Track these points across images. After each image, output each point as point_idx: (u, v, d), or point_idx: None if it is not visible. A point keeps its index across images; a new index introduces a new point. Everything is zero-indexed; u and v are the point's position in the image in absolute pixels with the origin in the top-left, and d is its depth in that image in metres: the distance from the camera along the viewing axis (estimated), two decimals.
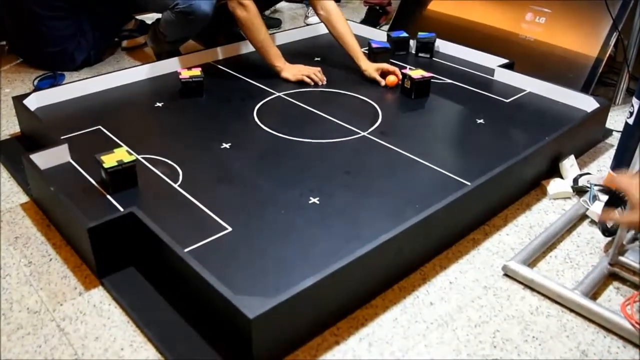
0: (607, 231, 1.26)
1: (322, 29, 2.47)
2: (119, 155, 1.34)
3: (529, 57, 2.14)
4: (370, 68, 1.98)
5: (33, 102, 1.71)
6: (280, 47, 2.02)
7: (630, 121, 1.39)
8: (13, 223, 1.33)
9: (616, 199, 1.17)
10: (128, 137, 1.58)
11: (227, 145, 1.56)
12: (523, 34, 2.18)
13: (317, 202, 1.32)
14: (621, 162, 1.43)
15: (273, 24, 2.82)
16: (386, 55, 2.09)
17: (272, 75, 1.99)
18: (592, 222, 1.36)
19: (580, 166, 1.58)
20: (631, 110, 1.39)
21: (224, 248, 1.18)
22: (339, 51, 2.27)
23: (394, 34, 2.26)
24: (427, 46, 2.20)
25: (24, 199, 1.43)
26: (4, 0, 2.16)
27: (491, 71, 2.01)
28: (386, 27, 2.69)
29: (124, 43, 2.47)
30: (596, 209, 1.34)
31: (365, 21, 2.83)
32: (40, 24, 2.13)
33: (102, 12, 2.26)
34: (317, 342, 1.03)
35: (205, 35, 2.41)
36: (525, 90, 1.90)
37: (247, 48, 2.21)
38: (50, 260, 1.22)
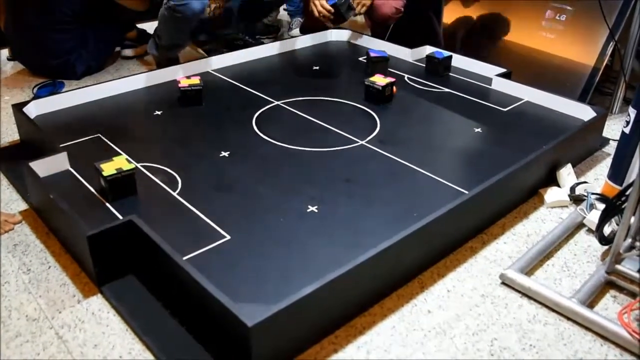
0: (604, 239, 1.26)
1: (321, 38, 2.49)
2: (118, 163, 1.34)
3: (526, 66, 2.15)
4: None
5: (32, 110, 1.71)
6: (278, 55, 2.03)
7: (627, 130, 1.40)
8: (12, 230, 1.34)
9: (613, 207, 1.18)
10: (127, 145, 1.58)
11: (226, 154, 1.56)
12: (523, 42, 2.20)
13: (316, 210, 1.33)
14: (618, 170, 1.43)
15: (271, 30, 2.83)
16: (384, 65, 2.10)
17: (270, 84, 2.00)
18: (589, 230, 1.37)
19: (578, 175, 1.58)
20: (628, 120, 1.40)
21: (223, 256, 1.18)
22: (338, 60, 2.30)
23: (372, 52, 2.13)
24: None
25: (23, 206, 1.43)
26: (8, 12, 2.18)
27: (489, 80, 2.02)
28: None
29: (124, 52, 2.48)
30: (593, 217, 1.35)
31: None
32: (42, 37, 2.14)
33: (105, 24, 2.28)
34: (315, 350, 1.04)
35: (204, 36, 2.43)
36: (522, 99, 1.91)
37: (246, 57, 2.22)
38: (49, 267, 1.23)
